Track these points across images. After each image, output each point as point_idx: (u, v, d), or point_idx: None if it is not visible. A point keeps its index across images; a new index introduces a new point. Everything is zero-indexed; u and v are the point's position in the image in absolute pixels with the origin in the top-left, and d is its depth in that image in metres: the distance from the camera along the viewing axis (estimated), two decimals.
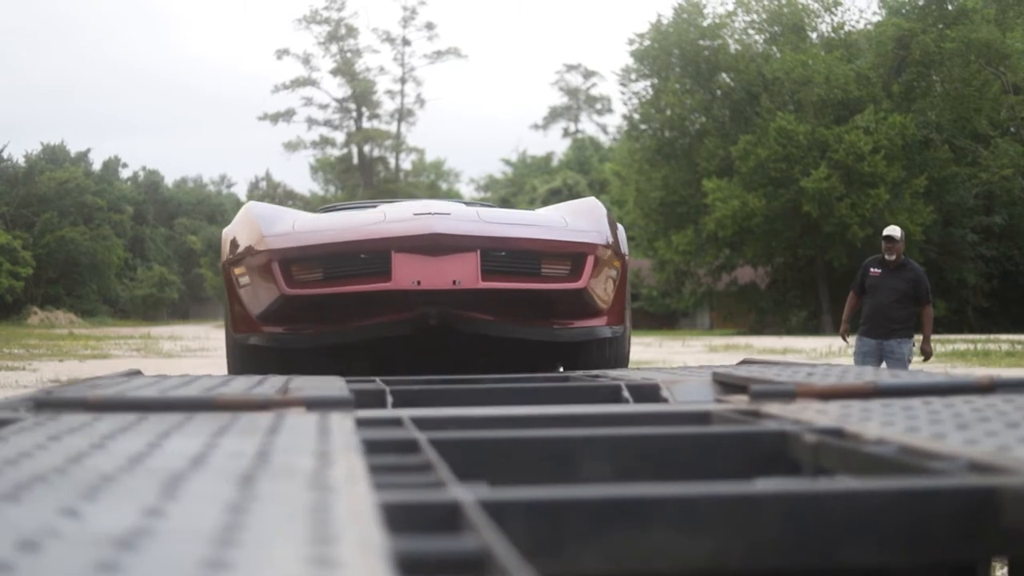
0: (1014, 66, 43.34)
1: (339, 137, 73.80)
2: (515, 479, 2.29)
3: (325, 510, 1.38)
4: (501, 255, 5.40)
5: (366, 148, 73.44)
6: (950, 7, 45.99)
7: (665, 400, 3.66)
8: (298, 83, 71.67)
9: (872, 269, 10.91)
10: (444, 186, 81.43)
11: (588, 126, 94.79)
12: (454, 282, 5.24)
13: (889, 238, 10.68)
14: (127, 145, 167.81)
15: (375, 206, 6.64)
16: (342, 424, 2.44)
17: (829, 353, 25.81)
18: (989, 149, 43.77)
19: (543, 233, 5.58)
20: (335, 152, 74.59)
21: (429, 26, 73.87)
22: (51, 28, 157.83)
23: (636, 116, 53.22)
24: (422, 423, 2.58)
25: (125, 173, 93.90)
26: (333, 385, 3.80)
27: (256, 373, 5.60)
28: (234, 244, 5.92)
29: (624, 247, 6.16)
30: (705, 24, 50.36)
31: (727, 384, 3.72)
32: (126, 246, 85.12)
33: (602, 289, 5.76)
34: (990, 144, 43.89)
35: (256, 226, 5.63)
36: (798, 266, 48.50)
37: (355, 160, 73.78)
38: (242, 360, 6.11)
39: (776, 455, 2.33)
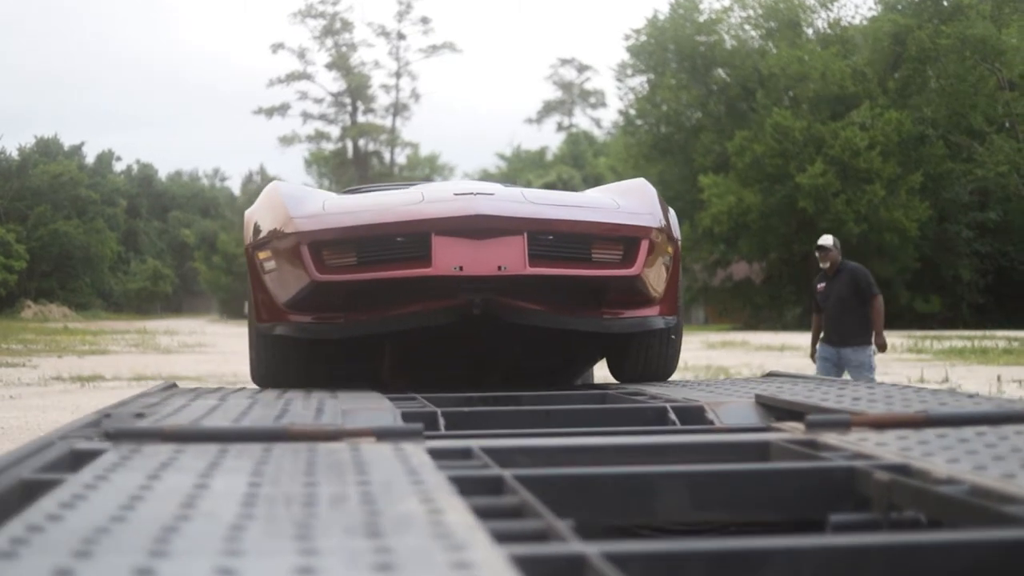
0: (1009, 62, 43.46)
1: (334, 131, 73.86)
2: (595, 513, 2.38)
3: (469, 568, 1.46)
4: (549, 239, 5.00)
5: (361, 142, 73.46)
6: (945, 3, 46.12)
7: (711, 422, 3.73)
8: (293, 77, 71.69)
9: (818, 284, 10.80)
10: (439, 181, 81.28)
11: (582, 120, 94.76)
12: (499, 268, 4.84)
13: (821, 248, 10.63)
14: (121, 139, 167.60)
15: (407, 187, 6.21)
16: (419, 457, 2.52)
17: None
18: (984, 145, 43.89)
19: (594, 215, 5.19)
20: (330, 146, 74.58)
21: (424, 20, 73.92)
22: (44, 21, 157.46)
23: (632, 111, 53.36)
24: (494, 454, 2.65)
25: (119, 166, 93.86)
26: (381, 406, 3.87)
27: (282, 365, 5.64)
28: (258, 227, 5.49)
29: (676, 231, 5.72)
30: (701, 20, 50.46)
31: (771, 407, 3.80)
32: (119, 239, 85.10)
33: (655, 276, 5.37)
34: (985, 140, 44.01)
35: (283, 207, 5.22)
36: (793, 262, 48.57)
37: (350, 154, 73.76)
38: (267, 352, 5.67)
39: (844, 490, 2.41)
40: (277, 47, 71.91)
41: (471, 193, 5.05)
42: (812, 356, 11.14)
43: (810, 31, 49.98)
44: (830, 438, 2.80)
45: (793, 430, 3.03)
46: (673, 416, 3.74)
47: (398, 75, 73.12)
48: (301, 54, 71.70)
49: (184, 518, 1.89)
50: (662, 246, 5.34)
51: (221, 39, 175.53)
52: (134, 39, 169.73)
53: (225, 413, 3.44)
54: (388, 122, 73.96)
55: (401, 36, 72.70)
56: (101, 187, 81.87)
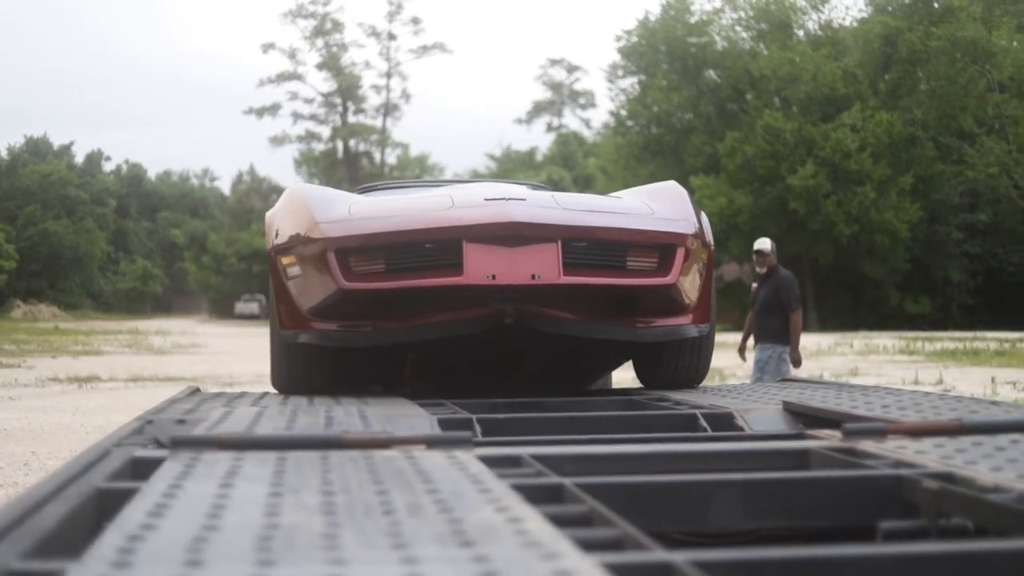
0: (1000, 64, 43.66)
1: (324, 131, 73.85)
2: (650, 521, 2.45)
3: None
4: (582, 246, 4.83)
5: (351, 143, 73.46)
6: (936, 5, 46.30)
7: (740, 428, 3.80)
8: (284, 77, 71.66)
9: (754, 284, 11.15)
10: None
11: (571, 120, 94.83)
12: (533, 276, 4.68)
13: (759, 252, 10.89)
14: (110, 138, 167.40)
15: (426, 187, 5.96)
16: (475, 465, 2.58)
17: (819, 352, 26.04)
18: (975, 147, 44.07)
19: (629, 222, 4.99)
20: (320, 147, 74.57)
21: (414, 21, 74.02)
22: (35, 21, 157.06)
23: (623, 112, 53.45)
24: (545, 462, 2.72)
25: (108, 166, 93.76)
26: (417, 413, 3.93)
27: (305, 372, 5.56)
28: (281, 230, 5.33)
29: (710, 236, 5.55)
30: (692, 21, 50.58)
31: (799, 414, 3.88)
32: (109, 239, 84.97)
33: (690, 284, 5.20)
34: (976, 142, 44.19)
35: (308, 210, 5.06)
36: (784, 263, 48.65)
37: (340, 155, 73.77)
38: (290, 359, 5.50)
39: (891, 498, 2.49)
40: (268, 47, 71.92)
41: (503, 199, 4.91)
42: (740, 352, 11.63)
43: (801, 33, 50.13)
44: (868, 446, 2.88)
45: (830, 437, 3.10)
46: (703, 423, 3.81)
47: (388, 75, 73.18)
48: (292, 54, 71.72)
49: (274, 527, 1.95)
50: (697, 253, 5.21)
51: (213, 39, 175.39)
52: (126, 39, 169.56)
53: (272, 421, 3.49)
54: (378, 122, 74.02)
55: (391, 36, 72.74)
56: (91, 187, 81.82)
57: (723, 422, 3.86)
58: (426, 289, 4.77)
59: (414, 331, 5.01)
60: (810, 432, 3.31)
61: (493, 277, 4.67)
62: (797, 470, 2.81)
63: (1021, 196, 44.24)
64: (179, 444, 2.96)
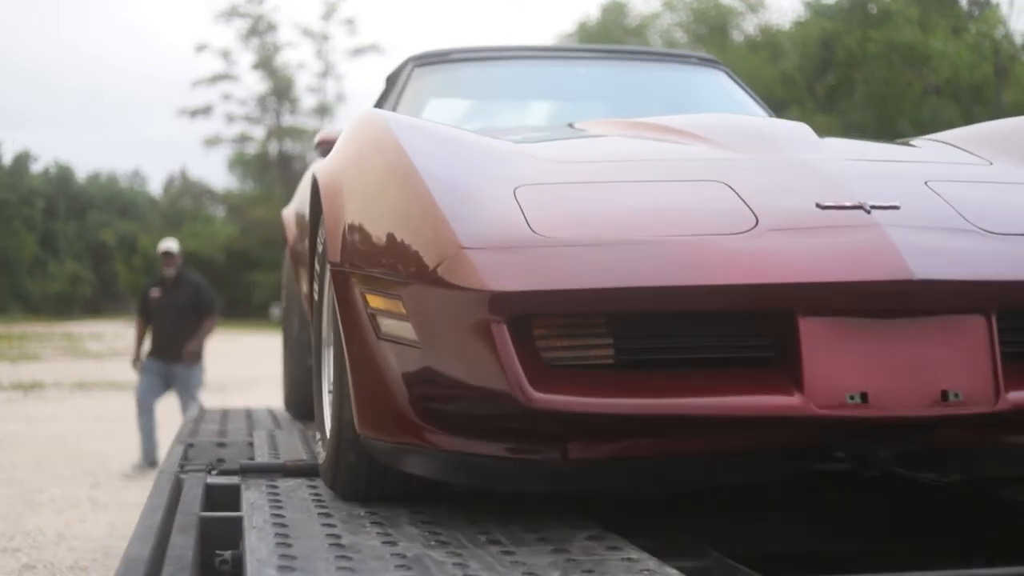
0: (936, 67, 44.14)
1: (259, 132, 73.22)
2: None
3: None
4: None
5: (285, 144, 72.91)
6: (874, 9, 46.73)
7: None
8: (218, 78, 70.93)
9: (152, 290, 10.31)
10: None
11: None
12: (943, 397, 2.24)
13: (167, 253, 10.16)
14: (37, 139, 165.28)
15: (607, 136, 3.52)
16: None
17: None
18: None
19: None
20: (254, 148, 73.96)
21: (349, 21, 73.80)
22: None
23: None
24: None
25: (36, 167, 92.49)
26: None
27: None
28: (355, 238, 2.68)
29: None
30: (631, 24, 50.72)
31: None
32: (37, 240, 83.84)
33: None
34: None
35: (433, 207, 2.46)
36: None
37: (274, 156, 73.19)
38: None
39: None
40: (202, 48, 71.15)
41: (859, 207, 2.43)
42: (134, 363, 10.32)
43: (739, 36, 50.42)
44: None
45: None
46: None
47: (324, 76, 72.69)
48: (225, 55, 70.99)
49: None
50: None
51: (144, 39, 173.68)
52: (55, 38, 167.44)
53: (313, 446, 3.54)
54: (313, 123, 73.48)
55: (326, 37, 72.27)
56: (18, 188, 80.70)
57: None
58: (703, 420, 2.31)
59: (650, 471, 2.47)
60: None
61: (863, 399, 2.23)
62: None
63: None
64: (248, 472, 2.99)
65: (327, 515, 2.40)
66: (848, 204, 2.43)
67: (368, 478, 2.66)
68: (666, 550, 2.27)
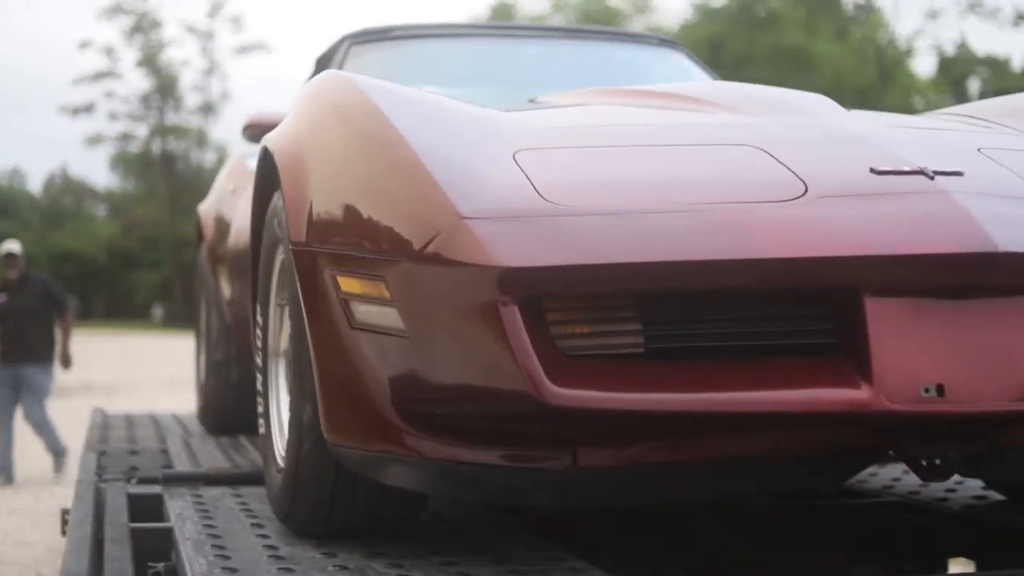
0: (821, 71, 44.85)
1: (142, 131, 72.06)
2: None
3: None
4: None
5: (169, 142, 71.86)
6: (761, 12, 47.36)
7: None
8: (100, 75, 69.67)
9: None
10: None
11: None
12: None
13: (10, 255, 9.68)
14: None
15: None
16: None
17: None
18: None
19: None
20: (137, 146, 72.80)
21: (235, 19, 72.87)
22: None
23: None
24: None
25: None
26: None
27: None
28: (320, 217, 2.30)
29: None
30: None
31: None
32: None
33: None
34: None
35: (421, 170, 2.10)
36: None
37: (156, 154, 72.10)
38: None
39: None
40: (85, 44, 69.83)
41: (920, 172, 2.11)
42: None
43: None
44: None
45: None
46: None
47: (209, 73, 71.76)
48: (109, 52, 69.71)
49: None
50: None
51: (24, 36, 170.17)
52: None
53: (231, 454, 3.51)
54: (197, 122, 72.52)
55: (210, 35, 71.35)
56: None
57: None
58: (756, 416, 1.96)
59: (668, 477, 2.12)
60: None
61: (939, 393, 1.91)
62: None
63: None
64: (171, 481, 2.87)
65: (259, 525, 2.29)
66: (907, 169, 2.10)
67: (333, 498, 2.22)
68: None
